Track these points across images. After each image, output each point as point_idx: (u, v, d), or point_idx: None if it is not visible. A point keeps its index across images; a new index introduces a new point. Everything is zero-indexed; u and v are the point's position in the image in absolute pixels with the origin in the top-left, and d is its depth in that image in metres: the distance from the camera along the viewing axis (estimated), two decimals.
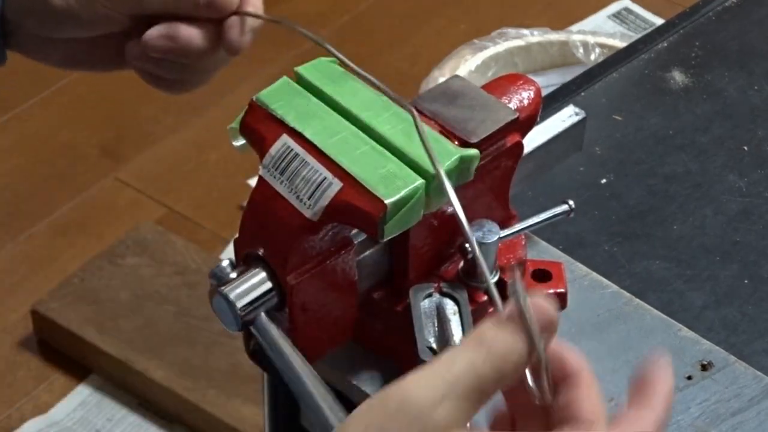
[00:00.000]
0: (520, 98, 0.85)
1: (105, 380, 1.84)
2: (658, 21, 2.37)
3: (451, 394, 0.55)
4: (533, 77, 0.88)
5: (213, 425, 1.73)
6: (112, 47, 0.87)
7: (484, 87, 0.85)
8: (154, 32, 0.83)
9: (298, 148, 0.76)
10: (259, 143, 0.78)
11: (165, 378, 1.77)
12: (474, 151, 0.78)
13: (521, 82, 0.86)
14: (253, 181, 2.20)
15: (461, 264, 0.84)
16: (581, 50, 2.12)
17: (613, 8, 2.45)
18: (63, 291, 1.87)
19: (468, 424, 0.56)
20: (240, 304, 0.75)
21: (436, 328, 0.79)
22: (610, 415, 0.58)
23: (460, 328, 0.79)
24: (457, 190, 0.78)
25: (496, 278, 0.84)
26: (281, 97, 0.79)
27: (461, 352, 0.56)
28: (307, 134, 0.76)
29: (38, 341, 1.89)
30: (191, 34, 0.83)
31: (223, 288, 0.75)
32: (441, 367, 0.56)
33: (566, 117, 0.94)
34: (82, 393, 1.83)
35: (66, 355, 1.86)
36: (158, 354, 1.79)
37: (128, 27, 0.85)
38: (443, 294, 0.81)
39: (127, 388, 1.82)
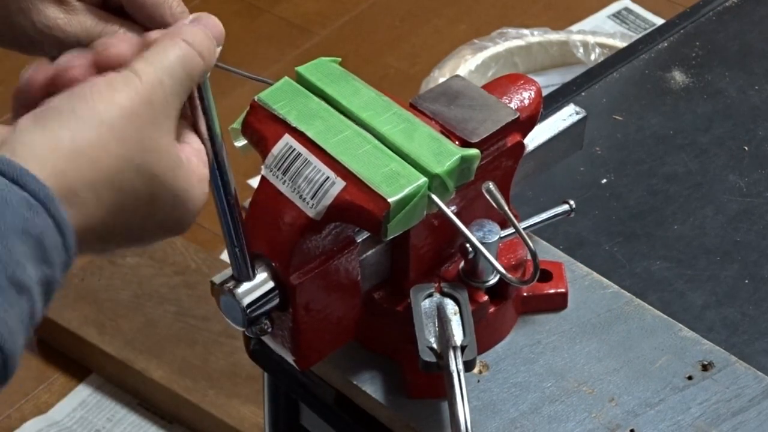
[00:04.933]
0: (521, 98, 0.85)
1: (105, 380, 1.84)
2: (658, 21, 2.37)
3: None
4: (533, 77, 0.88)
5: (213, 425, 1.73)
6: None
7: (484, 87, 0.85)
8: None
9: (300, 148, 0.76)
10: (261, 143, 0.78)
11: (165, 378, 1.77)
12: (474, 151, 0.78)
13: (522, 82, 0.86)
14: (253, 181, 2.19)
15: (462, 264, 0.84)
16: (581, 50, 2.12)
17: (613, 8, 2.45)
18: (63, 291, 1.87)
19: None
20: (245, 302, 0.75)
21: (437, 328, 0.79)
22: None
23: (460, 327, 0.79)
24: (458, 190, 0.78)
25: (495, 279, 0.84)
26: (283, 97, 0.79)
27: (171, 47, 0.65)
28: (310, 134, 0.76)
29: (38, 341, 1.89)
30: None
31: (229, 285, 0.75)
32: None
33: (567, 116, 0.94)
34: (82, 393, 1.83)
35: (66, 355, 1.86)
36: (158, 354, 1.79)
37: None
38: (444, 294, 0.81)
39: (127, 388, 1.82)
